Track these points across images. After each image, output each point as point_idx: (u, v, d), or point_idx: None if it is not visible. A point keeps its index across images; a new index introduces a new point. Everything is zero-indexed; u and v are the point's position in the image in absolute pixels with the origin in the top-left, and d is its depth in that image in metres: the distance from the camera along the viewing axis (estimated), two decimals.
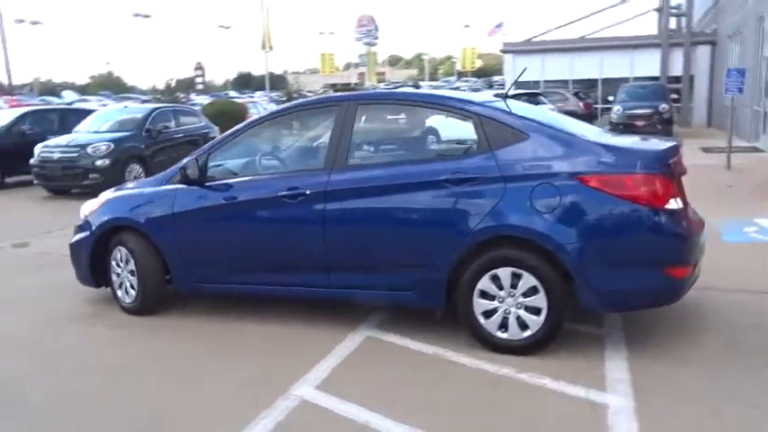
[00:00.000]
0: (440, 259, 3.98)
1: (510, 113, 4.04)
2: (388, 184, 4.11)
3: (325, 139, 4.40)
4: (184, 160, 4.65)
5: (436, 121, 4.31)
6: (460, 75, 65.39)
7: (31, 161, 11.69)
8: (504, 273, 3.87)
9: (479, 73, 63.55)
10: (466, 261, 3.94)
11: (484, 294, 3.94)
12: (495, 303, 3.92)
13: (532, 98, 16.87)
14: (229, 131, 4.77)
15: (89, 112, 14.67)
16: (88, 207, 5.23)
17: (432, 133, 4.42)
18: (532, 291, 3.82)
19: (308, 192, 4.26)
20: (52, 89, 60.79)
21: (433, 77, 78.94)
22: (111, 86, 76.69)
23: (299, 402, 3.43)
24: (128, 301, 4.96)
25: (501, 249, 3.87)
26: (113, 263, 5.01)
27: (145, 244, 4.81)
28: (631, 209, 3.67)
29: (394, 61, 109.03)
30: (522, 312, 3.87)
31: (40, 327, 4.78)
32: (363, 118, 4.38)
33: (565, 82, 24.76)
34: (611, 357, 3.87)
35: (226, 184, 4.60)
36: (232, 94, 53.28)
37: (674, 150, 3.96)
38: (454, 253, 3.94)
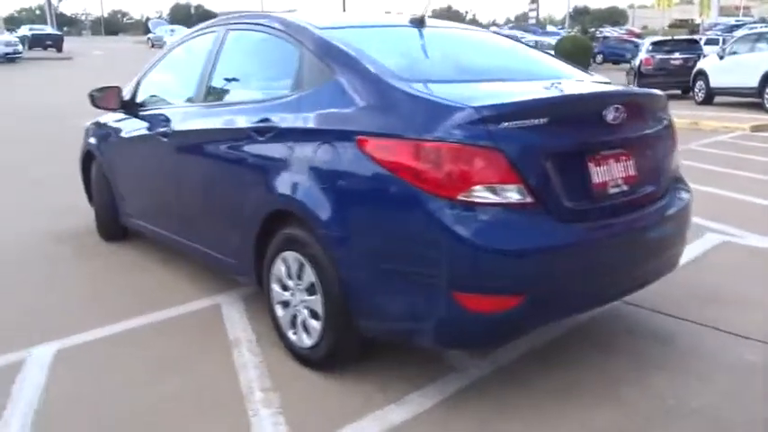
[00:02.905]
0: (244, 228, 3.17)
1: (330, 44, 2.92)
2: (213, 128, 3.42)
3: (203, 70, 3.76)
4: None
5: (279, 51, 3.28)
6: None
7: None
8: (292, 258, 2.92)
9: None
10: (268, 235, 3.06)
11: (280, 281, 3.04)
12: (288, 295, 3.00)
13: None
14: (155, 57, 4.43)
15: None
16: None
17: (269, 67, 3.43)
18: (313, 288, 2.81)
19: (170, 131, 3.75)
20: None
21: None
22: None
23: (16, 360, 3.09)
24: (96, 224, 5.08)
25: (290, 227, 2.91)
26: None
27: (101, 172, 4.81)
28: (405, 191, 2.40)
29: None
30: (306, 314, 2.90)
31: (25, 238, 5.12)
32: (230, 47, 3.61)
33: None
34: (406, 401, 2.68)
35: (140, 115, 4.28)
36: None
37: (523, 107, 2.44)
38: (252, 223, 3.09)
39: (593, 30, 42.68)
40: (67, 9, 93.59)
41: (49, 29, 44.34)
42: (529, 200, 2.38)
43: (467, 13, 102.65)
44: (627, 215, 2.71)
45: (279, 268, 3.00)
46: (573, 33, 35.97)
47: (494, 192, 2.33)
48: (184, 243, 3.87)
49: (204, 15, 67.77)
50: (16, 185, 7.11)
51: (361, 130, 2.54)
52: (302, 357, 2.96)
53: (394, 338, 2.71)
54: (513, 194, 2.36)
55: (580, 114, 2.59)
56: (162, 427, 2.57)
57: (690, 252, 4.36)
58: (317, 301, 2.79)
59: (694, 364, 2.99)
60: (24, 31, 41.10)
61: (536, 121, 2.40)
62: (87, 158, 5.05)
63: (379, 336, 2.70)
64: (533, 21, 72.44)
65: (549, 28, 63.00)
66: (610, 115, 2.60)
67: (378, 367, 2.93)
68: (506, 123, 2.35)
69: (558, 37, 30.56)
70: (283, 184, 2.85)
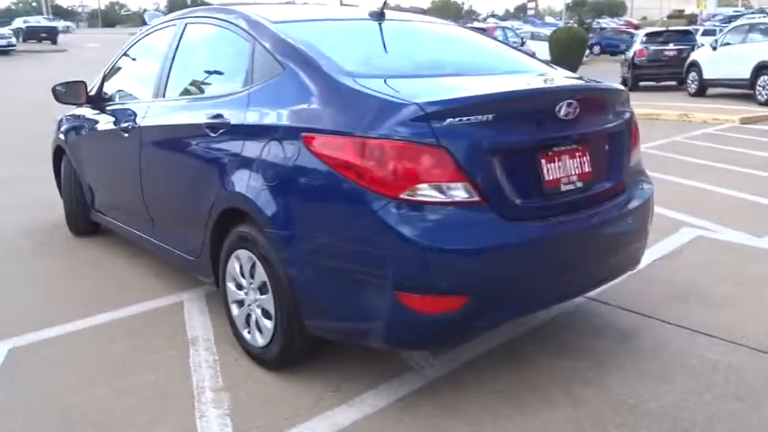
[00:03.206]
0: (202, 226, 3.13)
1: (281, 39, 2.86)
2: (170, 124, 3.39)
3: (163, 65, 3.71)
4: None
5: (233, 45, 3.23)
6: None
7: None
8: (245, 257, 2.87)
9: None
10: (224, 233, 3.02)
11: (234, 280, 3.00)
12: (242, 294, 2.96)
13: None
14: (118, 52, 4.37)
15: None
16: None
17: (224, 62, 3.37)
18: (265, 287, 2.77)
19: (131, 126, 3.71)
20: None
21: None
22: (447, 12, 79.79)
23: None
24: None
25: (243, 225, 2.86)
26: None
27: (70, 166, 4.76)
28: (350, 190, 2.35)
29: None
30: (259, 313, 2.86)
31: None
32: (187, 42, 3.56)
33: None
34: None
35: (105, 109, 4.23)
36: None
37: (468, 103, 2.38)
38: (208, 221, 3.05)
39: (589, 21, 42.49)
40: (64, 1, 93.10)
41: (43, 21, 44.16)
42: (476, 198, 2.33)
43: (463, 3, 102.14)
44: (582, 212, 2.66)
45: (233, 267, 2.96)
46: (570, 24, 35.79)
47: (439, 190, 2.28)
48: (149, 240, 3.83)
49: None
50: None
51: (308, 126, 2.50)
52: (256, 357, 2.92)
53: (341, 338, 2.67)
54: (459, 193, 2.31)
55: (531, 110, 2.54)
56: (104, 429, 2.53)
57: (663, 247, 4.34)
58: (268, 301, 2.75)
59: (655, 363, 2.95)
60: (19, 23, 40.94)
61: (483, 118, 2.34)
62: (58, 152, 5.01)
63: (327, 335, 2.66)
64: (532, 12, 71.97)
65: (548, 19, 62.84)
66: (562, 110, 2.55)
67: (332, 367, 2.89)
68: (452, 120, 2.30)
69: (555, 28, 30.47)
70: (234, 181, 2.81)
